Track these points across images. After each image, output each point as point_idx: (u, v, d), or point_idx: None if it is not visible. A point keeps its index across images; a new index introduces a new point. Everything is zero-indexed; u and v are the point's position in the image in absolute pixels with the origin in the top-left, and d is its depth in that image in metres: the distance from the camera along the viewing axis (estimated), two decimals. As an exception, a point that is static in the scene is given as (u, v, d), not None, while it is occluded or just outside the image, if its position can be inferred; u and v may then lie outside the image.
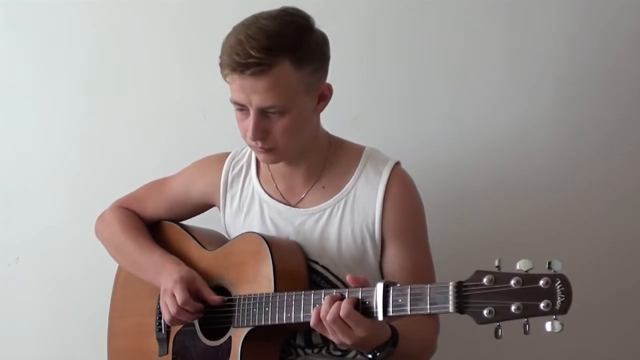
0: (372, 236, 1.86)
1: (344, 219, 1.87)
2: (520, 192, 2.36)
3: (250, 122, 1.76)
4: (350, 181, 1.88)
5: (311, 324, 1.65)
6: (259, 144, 1.79)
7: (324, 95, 1.82)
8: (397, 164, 1.90)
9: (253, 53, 1.69)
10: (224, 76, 1.77)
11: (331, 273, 1.87)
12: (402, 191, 1.86)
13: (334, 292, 1.65)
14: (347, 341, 1.62)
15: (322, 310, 1.62)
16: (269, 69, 1.71)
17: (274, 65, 1.71)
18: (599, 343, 2.35)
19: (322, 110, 1.85)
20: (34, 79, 2.47)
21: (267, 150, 1.81)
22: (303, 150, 1.86)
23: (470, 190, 2.37)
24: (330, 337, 1.64)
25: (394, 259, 1.86)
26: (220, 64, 1.76)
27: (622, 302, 2.35)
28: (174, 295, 1.82)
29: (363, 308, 1.60)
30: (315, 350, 1.88)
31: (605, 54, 2.33)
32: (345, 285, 1.77)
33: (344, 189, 1.88)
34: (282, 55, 1.71)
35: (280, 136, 1.78)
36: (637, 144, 2.34)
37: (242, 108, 1.78)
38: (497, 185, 2.36)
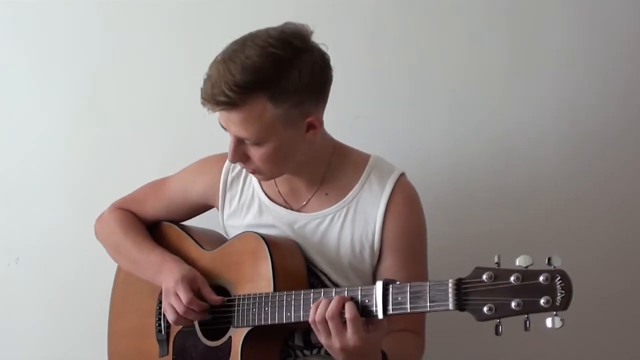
0: (371, 246, 1.85)
1: (345, 227, 1.85)
2: (522, 195, 2.35)
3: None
4: (354, 189, 1.86)
5: (309, 319, 1.63)
6: (241, 164, 1.80)
7: (312, 125, 1.76)
8: (402, 175, 1.88)
9: (225, 90, 1.66)
10: None
11: (328, 277, 1.86)
12: (404, 204, 1.85)
13: (334, 290, 1.64)
14: (337, 345, 1.60)
15: (323, 305, 1.61)
16: (237, 107, 1.68)
17: (245, 102, 1.68)
18: (600, 343, 2.35)
19: (312, 138, 1.78)
20: (35, 79, 2.46)
21: (252, 171, 1.81)
22: (299, 166, 1.84)
23: (471, 191, 2.36)
24: (321, 336, 1.62)
25: (388, 269, 1.83)
26: (201, 88, 1.73)
27: (623, 304, 2.35)
28: (178, 295, 1.81)
29: (363, 307, 1.59)
30: (315, 351, 1.87)
31: (608, 59, 2.34)
32: None
33: (347, 196, 1.86)
34: (256, 92, 1.67)
35: (260, 163, 1.76)
36: (638, 149, 2.35)
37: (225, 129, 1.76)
38: (499, 186, 2.36)
